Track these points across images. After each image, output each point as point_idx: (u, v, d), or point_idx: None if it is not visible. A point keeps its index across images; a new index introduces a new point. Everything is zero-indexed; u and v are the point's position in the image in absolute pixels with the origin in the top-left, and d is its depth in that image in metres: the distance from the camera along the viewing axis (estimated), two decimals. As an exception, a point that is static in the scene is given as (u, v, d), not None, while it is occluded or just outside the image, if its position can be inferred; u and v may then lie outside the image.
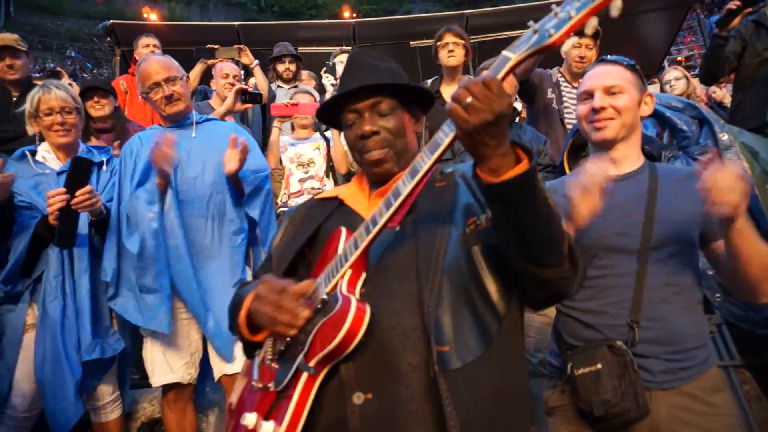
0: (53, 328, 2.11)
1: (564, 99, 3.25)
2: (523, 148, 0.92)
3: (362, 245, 1.01)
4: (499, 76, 0.86)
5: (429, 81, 3.52)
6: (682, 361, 1.31)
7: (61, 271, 2.18)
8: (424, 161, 0.95)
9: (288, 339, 1.04)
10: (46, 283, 2.16)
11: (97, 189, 2.34)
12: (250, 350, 1.19)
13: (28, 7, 28.84)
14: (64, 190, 2.01)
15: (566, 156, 1.94)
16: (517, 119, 2.86)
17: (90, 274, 2.23)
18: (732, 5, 3.16)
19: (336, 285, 1.02)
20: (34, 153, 2.35)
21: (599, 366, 1.28)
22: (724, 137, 2.02)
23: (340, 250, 1.08)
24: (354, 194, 1.26)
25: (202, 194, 2.22)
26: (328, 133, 3.55)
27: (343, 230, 1.13)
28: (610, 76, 1.45)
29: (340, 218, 1.20)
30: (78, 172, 2.05)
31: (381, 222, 0.99)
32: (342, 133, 3.80)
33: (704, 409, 1.29)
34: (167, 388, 2.23)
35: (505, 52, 0.87)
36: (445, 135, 0.92)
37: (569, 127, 3.06)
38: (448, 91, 3.43)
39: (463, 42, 3.30)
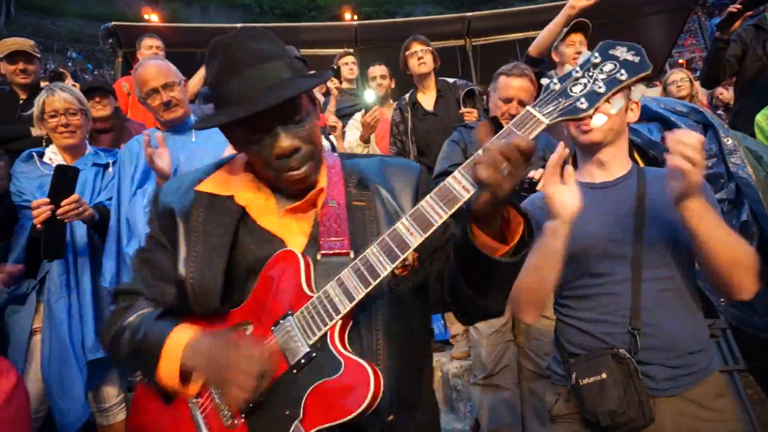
0: (60, 327, 2.12)
1: None
2: (516, 207, 0.90)
3: (359, 297, 0.88)
4: (532, 137, 0.84)
5: (406, 96, 3.51)
6: (685, 367, 1.31)
7: (65, 270, 2.19)
8: (439, 215, 0.85)
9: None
10: (51, 283, 2.17)
11: (100, 187, 2.35)
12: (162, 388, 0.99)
13: (29, 8, 28.85)
14: (47, 200, 1.95)
15: (571, 161, 1.94)
16: None
17: (91, 272, 2.23)
18: (733, 8, 3.16)
19: (323, 338, 0.90)
20: (41, 155, 2.37)
21: (604, 376, 1.27)
22: (729, 142, 2.02)
23: (307, 289, 0.93)
24: (255, 205, 1.03)
25: None
26: (332, 137, 3.55)
27: (300, 258, 0.95)
28: None
29: (252, 238, 1.00)
30: (62, 181, 1.97)
31: (383, 275, 0.87)
32: (334, 138, 3.66)
33: (708, 415, 1.29)
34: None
35: (536, 114, 0.86)
36: (465, 190, 0.84)
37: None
38: (424, 99, 3.43)
39: (429, 48, 3.34)
